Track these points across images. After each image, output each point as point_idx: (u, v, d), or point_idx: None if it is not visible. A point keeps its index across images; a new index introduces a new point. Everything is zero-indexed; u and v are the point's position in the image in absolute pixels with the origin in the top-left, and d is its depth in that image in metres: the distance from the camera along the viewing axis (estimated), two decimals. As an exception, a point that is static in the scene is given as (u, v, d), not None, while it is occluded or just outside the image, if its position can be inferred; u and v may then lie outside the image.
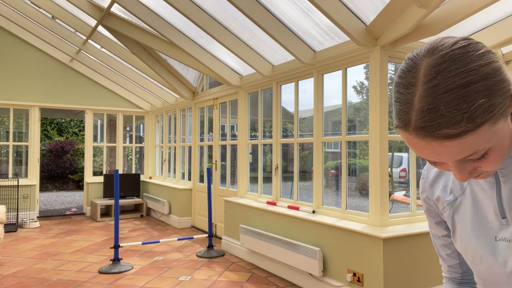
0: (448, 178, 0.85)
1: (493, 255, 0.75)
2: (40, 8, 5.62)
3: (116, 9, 4.84)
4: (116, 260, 4.23)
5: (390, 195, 7.74)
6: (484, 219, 0.77)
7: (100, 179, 7.64)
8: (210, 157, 6.15)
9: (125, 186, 7.43)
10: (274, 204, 4.25)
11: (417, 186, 3.46)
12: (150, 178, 8.03)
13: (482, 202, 0.78)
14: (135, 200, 7.57)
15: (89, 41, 6.18)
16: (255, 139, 4.79)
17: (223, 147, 5.89)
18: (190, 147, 6.66)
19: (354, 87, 18.37)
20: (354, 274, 3.09)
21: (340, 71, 3.52)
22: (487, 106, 0.57)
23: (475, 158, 0.62)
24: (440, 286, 3.15)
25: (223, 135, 6.12)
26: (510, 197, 0.73)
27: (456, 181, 0.83)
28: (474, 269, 0.82)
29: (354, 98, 18.65)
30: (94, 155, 10.65)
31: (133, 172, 8.20)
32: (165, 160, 7.70)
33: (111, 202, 7.11)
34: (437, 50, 0.60)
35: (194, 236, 5.09)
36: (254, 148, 5.75)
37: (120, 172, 7.87)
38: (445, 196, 0.85)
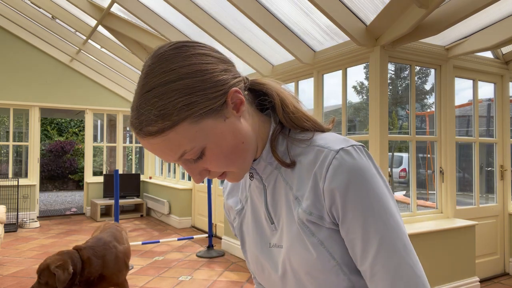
0: (239, 188, 0.84)
1: (269, 262, 0.75)
2: (40, 8, 5.62)
3: (116, 9, 4.84)
4: (116, 260, 4.23)
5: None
6: (261, 226, 0.77)
7: (100, 179, 7.64)
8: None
9: (125, 186, 7.43)
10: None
11: (417, 186, 3.46)
12: (150, 178, 8.03)
13: (258, 209, 0.77)
14: (135, 200, 7.57)
15: (89, 41, 6.17)
16: (255, 139, 4.79)
17: (223, 147, 5.88)
18: (190, 147, 6.65)
19: (354, 87, 18.37)
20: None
21: (340, 71, 3.52)
22: (184, 105, 0.58)
23: (191, 157, 0.62)
24: (441, 286, 3.15)
25: (223, 135, 6.11)
26: (273, 202, 0.73)
27: (243, 190, 0.82)
28: (260, 279, 0.81)
29: (354, 98, 18.65)
30: (94, 155, 10.64)
31: (133, 172, 8.20)
32: (165, 160, 7.69)
33: (111, 202, 7.10)
34: (156, 52, 0.62)
35: (194, 236, 5.09)
36: (254, 148, 5.74)
37: (120, 172, 7.86)
38: (235, 206, 0.84)
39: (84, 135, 8.30)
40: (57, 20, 6.03)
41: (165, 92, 0.58)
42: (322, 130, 0.73)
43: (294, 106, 0.72)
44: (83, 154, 9.78)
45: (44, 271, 2.39)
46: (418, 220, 3.35)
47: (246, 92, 0.69)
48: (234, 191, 0.86)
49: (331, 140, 0.67)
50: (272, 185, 0.73)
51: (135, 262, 4.45)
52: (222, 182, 5.76)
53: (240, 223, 0.83)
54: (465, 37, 3.36)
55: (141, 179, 7.90)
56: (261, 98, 0.73)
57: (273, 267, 0.74)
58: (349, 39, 3.17)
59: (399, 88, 14.08)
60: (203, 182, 5.50)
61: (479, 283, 3.39)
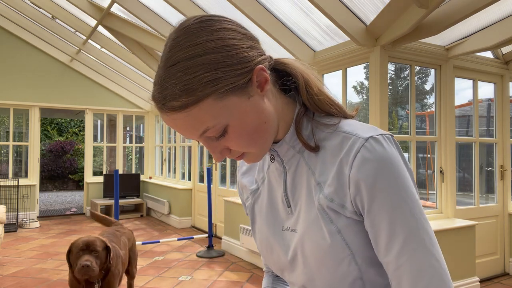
0: (255, 168, 0.84)
1: (280, 245, 0.74)
2: (40, 8, 5.62)
3: (116, 9, 4.84)
4: (116, 260, 4.22)
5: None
6: (275, 208, 0.76)
7: (100, 179, 7.64)
8: (210, 157, 6.15)
9: (125, 186, 7.43)
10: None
11: (417, 186, 3.46)
12: (150, 178, 8.03)
13: (275, 191, 0.76)
14: (135, 200, 7.57)
15: (89, 41, 6.17)
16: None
17: (223, 147, 5.87)
18: (190, 147, 6.66)
19: (354, 87, 18.37)
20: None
21: (340, 71, 3.52)
22: (209, 80, 0.56)
23: (213, 135, 0.61)
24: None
25: (223, 135, 6.11)
26: (292, 186, 0.72)
27: (260, 171, 0.82)
28: (267, 260, 0.80)
29: (354, 98, 18.64)
30: (94, 155, 10.65)
31: (133, 172, 8.20)
32: (165, 160, 7.70)
33: (111, 202, 7.10)
34: (181, 25, 0.62)
35: (194, 236, 5.09)
36: (254, 148, 5.73)
37: (120, 172, 7.86)
38: (250, 185, 0.84)
39: (84, 135, 8.30)
40: (57, 20, 6.03)
41: (191, 66, 0.57)
42: (346, 116, 0.72)
43: (319, 89, 0.70)
44: (83, 154, 9.78)
45: (100, 243, 2.33)
46: (418, 220, 3.34)
47: (269, 72, 0.67)
48: (251, 171, 0.85)
49: (359, 127, 0.66)
50: (293, 169, 0.72)
51: (135, 262, 4.45)
52: (222, 181, 5.77)
53: (252, 203, 0.82)
54: (465, 37, 3.36)
55: (141, 179, 7.90)
56: (284, 78, 0.71)
57: (283, 250, 0.74)
58: (349, 39, 3.17)
59: (399, 88, 14.08)
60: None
61: (479, 283, 3.39)
